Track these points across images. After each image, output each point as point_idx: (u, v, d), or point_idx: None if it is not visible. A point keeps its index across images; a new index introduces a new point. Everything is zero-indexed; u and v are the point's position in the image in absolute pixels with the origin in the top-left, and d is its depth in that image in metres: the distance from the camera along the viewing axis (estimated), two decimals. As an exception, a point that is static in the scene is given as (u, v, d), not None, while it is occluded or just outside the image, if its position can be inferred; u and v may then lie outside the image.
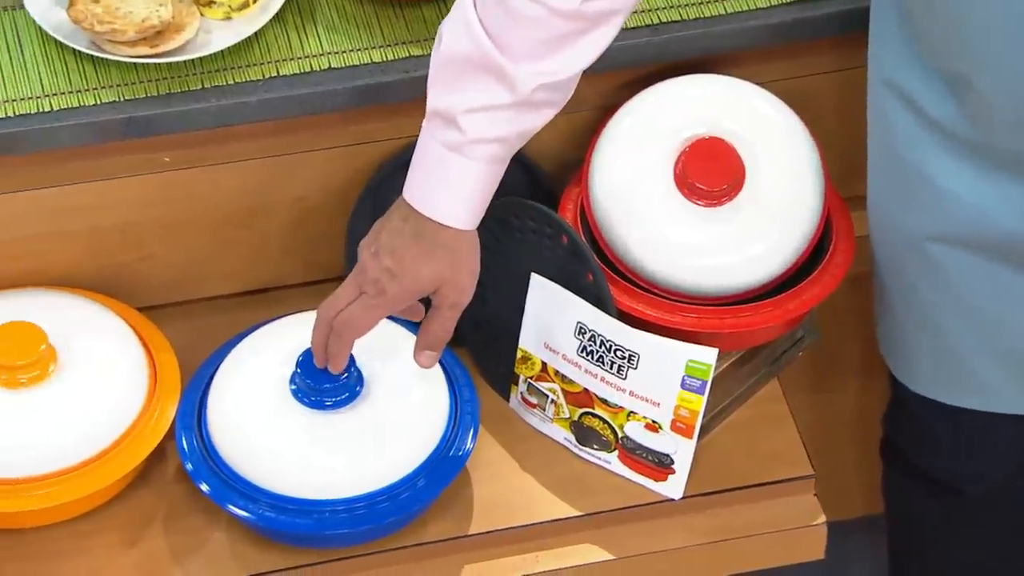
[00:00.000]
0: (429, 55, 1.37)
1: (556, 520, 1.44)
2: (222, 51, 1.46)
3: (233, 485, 1.40)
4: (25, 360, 1.40)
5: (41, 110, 1.42)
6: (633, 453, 1.47)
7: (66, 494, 1.39)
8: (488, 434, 1.48)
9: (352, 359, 1.42)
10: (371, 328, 1.39)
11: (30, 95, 1.43)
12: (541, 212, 1.47)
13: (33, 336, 1.41)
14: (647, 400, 1.44)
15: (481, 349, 1.54)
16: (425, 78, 1.38)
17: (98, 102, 1.43)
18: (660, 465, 1.46)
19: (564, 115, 1.53)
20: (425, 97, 1.36)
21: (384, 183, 1.55)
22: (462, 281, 1.39)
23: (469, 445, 1.43)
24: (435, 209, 1.37)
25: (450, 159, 1.35)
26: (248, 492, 1.39)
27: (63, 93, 1.43)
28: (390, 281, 1.38)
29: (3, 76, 1.44)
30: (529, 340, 1.48)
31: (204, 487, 1.40)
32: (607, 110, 1.53)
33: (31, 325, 1.42)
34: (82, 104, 1.43)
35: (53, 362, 1.41)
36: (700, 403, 1.43)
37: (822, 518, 1.46)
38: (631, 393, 1.44)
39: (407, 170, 1.47)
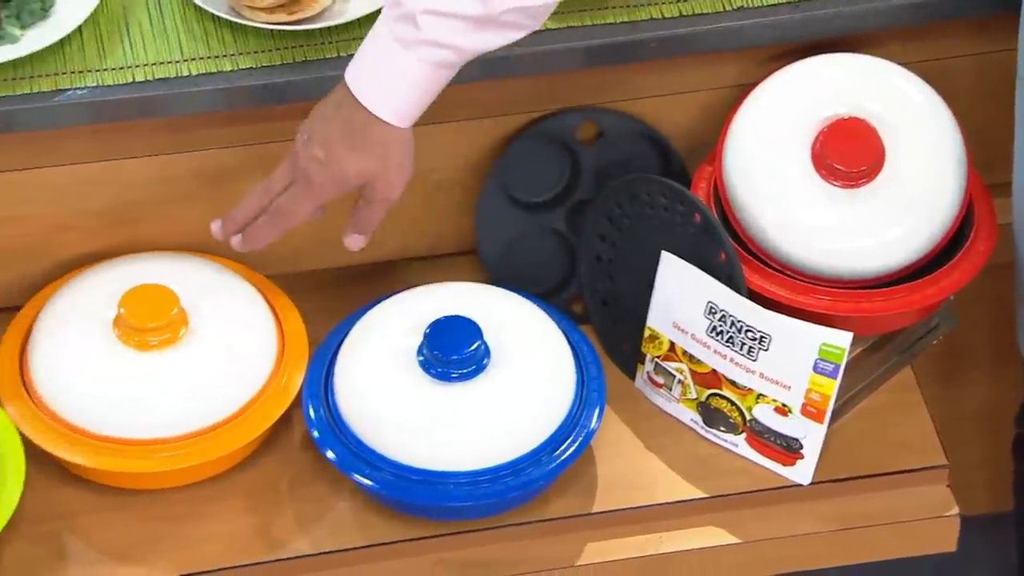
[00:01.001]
0: (556, 31, 1.36)
1: (680, 501, 1.43)
2: (358, 19, 1.46)
3: (358, 454, 1.40)
4: (157, 323, 1.41)
5: (179, 75, 1.43)
6: (761, 436, 1.45)
7: (193, 457, 1.39)
8: (613, 412, 1.47)
9: (479, 331, 1.41)
10: (302, 218, 1.38)
11: (169, 59, 1.44)
12: (673, 189, 1.45)
13: (166, 299, 1.42)
14: (777, 383, 1.42)
15: (607, 327, 1.53)
16: (563, 54, 1.39)
17: (235, 68, 1.43)
18: (788, 449, 1.44)
19: (699, 92, 1.53)
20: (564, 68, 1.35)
21: (514, 158, 1.54)
22: (390, 177, 1.37)
23: (594, 423, 1.42)
24: (371, 100, 1.34)
25: (398, 54, 1.32)
26: (373, 461, 1.39)
27: (201, 58, 1.44)
28: (318, 170, 1.36)
29: (143, 40, 1.45)
30: (657, 319, 1.46)
31: (330, 454, 1.40)
32: (744, 88, 1.50)
33: (164, 288, 1.42)
34: (220, 70, 1.43)
35: (184, 326, 1.42)
36: (832, 387, 1.40)
37: (955, 509, 1.44)
38: (761, 375, 1.42)
39: (539, 145, 1.49)
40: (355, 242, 1.40)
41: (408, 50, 1.31)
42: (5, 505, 1.33)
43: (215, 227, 1.42)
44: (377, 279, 1.55)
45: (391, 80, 1.32)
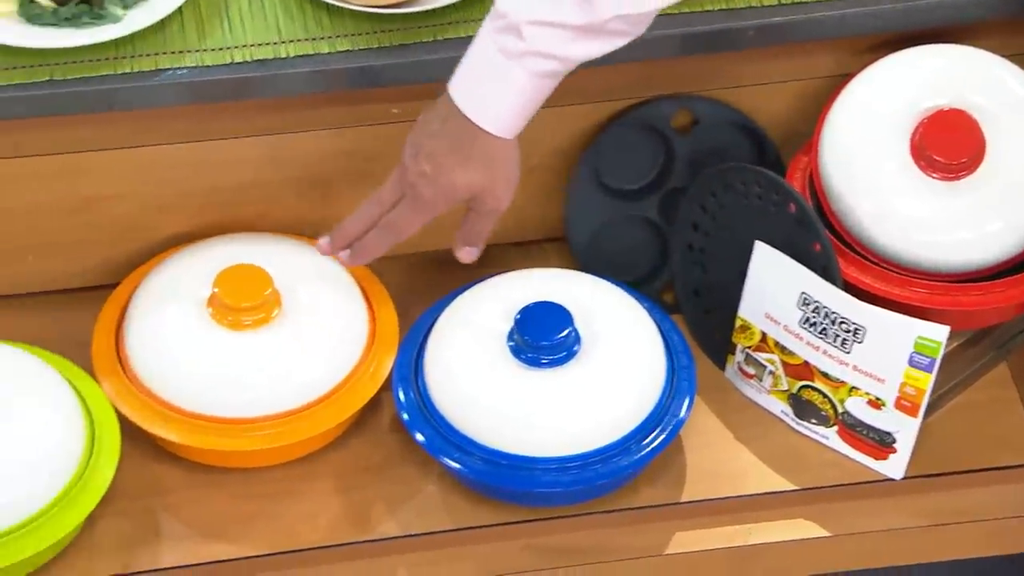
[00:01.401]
0: (661, 15, 1.35)
1: (770, 493, 1.42)
2: (454, 4, 1.46)
3: (447, 437, 1.40)
4: (250, 303, 1.41)
5: (278, 56, 1.43)
6: (853, 429, 1.43)
7: (284, 437, 1.40)
8: (702, 402, 1.47)
9: (570, 318, 1.41)
10: (413, 231, 1.39)
11: (267, 41, 1.44)
12: (769, 179, 1.44)
13: (260, 280, 1.42)
14: (871, 376, 1.41)
15: (698, 317, 1.52)
16: (660, 42, 1.37)
17: (332, 51, 1.44)
18: (881, 443, 1.43)
19: (795, 82, 1.52)
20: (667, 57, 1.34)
21: (607, 145, 1.53)
22: (498, 190, 1.37)
23: (684, 413, 1.42)
24: (477, 113, 1.34)
25: (503, 66, 1.32)
26: (462, 445, 1.39)
27: (298, 40, 1.44)
28: (426, 185, 1.37)
29: (242, 21, 1.46)
30: (749, 309, 1.45)
31: (419, 437, 1.40)
32: (841, 78, 1.49)
33: (258, 269, 1.43)
34: (317, 52, 1.43)
35: (277, 307, 1.43)
36: (927, 381, 1.39)
37: (1049, 508, 1.45)
38: (855, 368, 1.41)
39: (632, 132, 1.48)
40: (467, 255, 1.41)
41: (513, 61, 1.31)
42: (100, 480, 1.35)
43: (323, 242, 1.44)
44: (466, 264, 1.52)
45: (496, 92, 1.33)
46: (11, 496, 1.31)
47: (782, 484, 1.42)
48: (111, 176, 1.48)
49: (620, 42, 1.32)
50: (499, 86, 1.32)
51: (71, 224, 1.49)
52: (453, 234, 1.54)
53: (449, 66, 1.43)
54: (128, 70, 1.42)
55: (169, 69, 1.43)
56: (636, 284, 1.53)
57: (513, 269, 1.49)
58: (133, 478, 1.40)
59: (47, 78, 1.40)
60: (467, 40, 1.43)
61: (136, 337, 1.44)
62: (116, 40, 1.43)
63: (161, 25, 1.44)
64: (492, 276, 1.49)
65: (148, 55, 1.43)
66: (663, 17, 1.41)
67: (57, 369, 1.40)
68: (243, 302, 1.42)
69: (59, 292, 1.51)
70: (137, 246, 1.51)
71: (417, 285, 1.53)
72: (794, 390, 1.45)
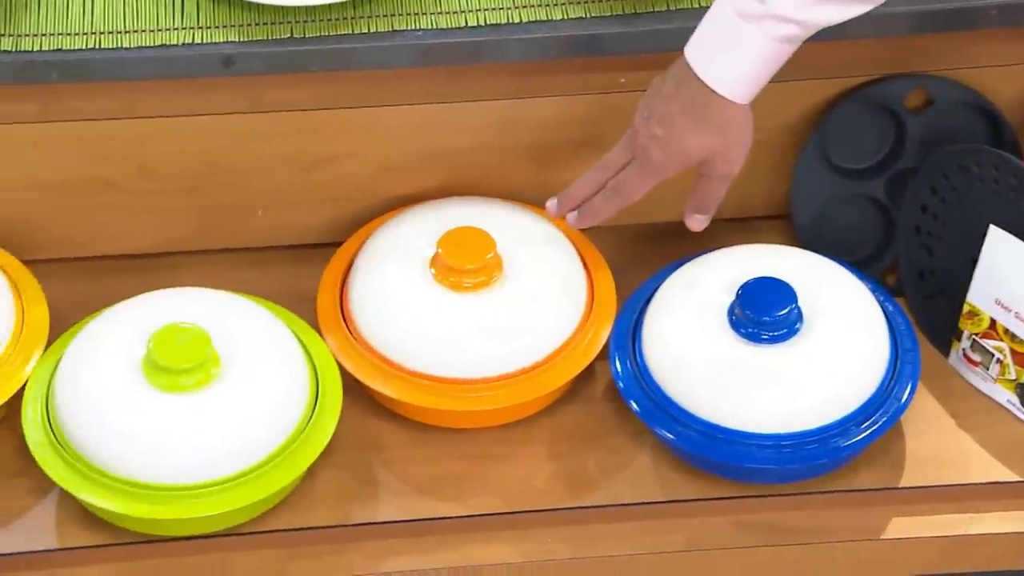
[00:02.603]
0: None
1: (993, 483, 1.39)
2: (690, -25, 1.47)
3: (663, 408, 1.39)
4: (473, 265, 1.42)
5: (511, 21, 1.44)
6: (1084, 422, 1.43)
7: (501, 399, 1.41)
8: (923, 388, 1.44)
9: (794, 296, 1.39)
10: (640, 195, 1.39)
11: (500, 6, 1.45)
12: (1008, 162, 1.40)
13: (483, 243, 1.43)
14: (1106, 368, 1.39)
15: (922, 301, 1.49)
16: (896, 19, 1.35)
17: (565, 17, 1.44)
18: (1112, 438, 1.41)
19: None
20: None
21: (837, 122, 1.51)
22: (731, 153, 1.36)
23: (906, 398, 1.39)
24: (713, 76, 1.33)
25: (742, 29, 1.31)
26: (677, 416, 1.39)
27: (531, 6, 1.44)
28: (657, 148, 1.36)
29: (477, -14, 1.50)
30: (979, 295, 1.42)
31: (634, 406, 1.40)
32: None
33: (482, 232, 1.44)
34: (550, 18, 1.44)
35: (499, 270, 1.43)
36: None
37: None
38: (1089, 359, 1.40)
39: (864, 110, 1.45)
40: (697, 223, 1.41)
41: (751, 24, 1.30)
42: (322, 433, 1.37)
43: (551, 204, 1.45)
44: (684, 238, 1.52)
45: (733, 56, 1.32)
46: (239, 444, 1.34)
47: (1007, 475, 1.39)
48: (343, 135, 1.50)
49: (862, 8, 1.30)
50: (736, 50, 1.32)
51: (302, 181, 1.51)
52: (668, 208, 1.52)
53: (681, 36, 1.42)
54: (365, 30, 1.44)
55: (405, 31, 1.44)
56: (858, 265, 1.50)
57: (733, 245, 1.48)
58: (352, 432, 1.42)
59: (287, 35, 1.43)
60: (700, 11, 1.42)
61: (360, 294, 1.46)
62: (354, 0, 1.46)
63: (399, -14, 1.49)
64: (714, 250, 1.47)
65: (384, 16, 1.44)
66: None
67: (285, 322, 1.43)
68: (466, 264, 1.43)
69: (287, 248, 1.54)
70: (364, 205, 1.53)
71: (631, 258, 1.53)
72: (1023, 379, 1.43)
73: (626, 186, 1.40)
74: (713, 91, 1.33)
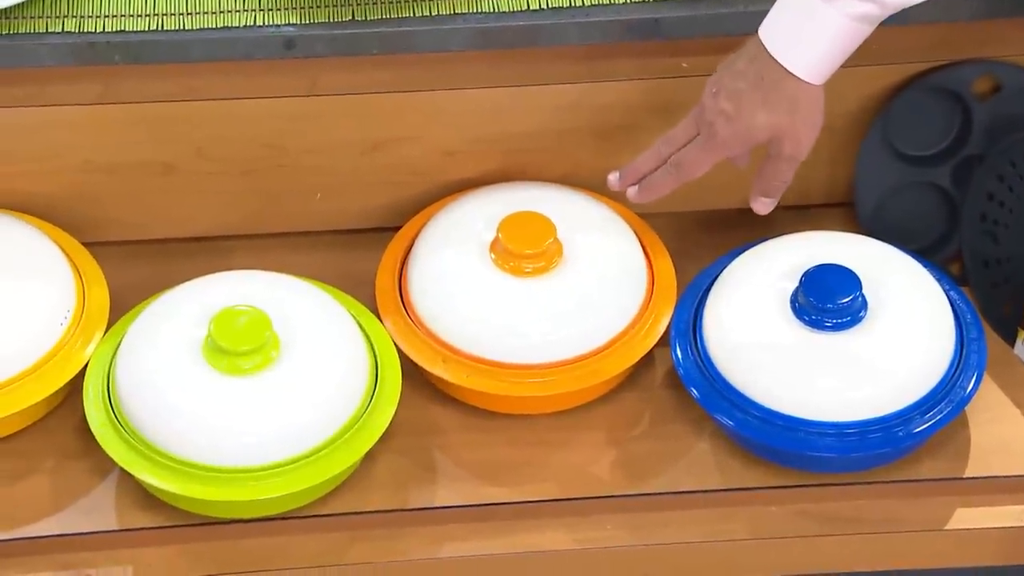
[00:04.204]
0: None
1: (1059, 474, 1.41)
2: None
3: (724, 394, 1.38)
4: (533, 250, 1.41)
5: (572, 4, 1.43)
6: None
7: (560, 385, 1.40)
8: (988, 378, 1.42)
9: (859, 283, 1.38)
10: (703, 171, 1.38)
11: (568, -9, 1.48)
12: (1077, 150, 1.41)
13: (543, 228, 1.42)
14: None
15: (987, 289, 1.47)
16: (963, 3, 1.33)
17: (627, 1, 1.43)
18: None
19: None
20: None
21: (903, 109, 1.50)
22: (799, 133, 1.34)
23: (971, 388, 1.38)
24: (786, 55, 1.32)
25: (818, 8, 1.30)
26: (738, 402, 1.38)
27: (595, -10, 1.47)
28: (724, 124, 1.35)
29: (542, -31, 1.49)
30: (1045, 284, 1.43)
31: (695, 392, 1.39)
32: None
33: (543, 217, 1.43)
34: (612, 1, 1.43)
35: (559, 256, 1.43)
36: None
37: None
38: None
39: (930, 97, 1.43)
40: (763, 206, 1.40)
41: (829, 4, 1.29)
42: (382, 417, 1.37)
43: (612, 178, 1.44)
44: (744, 225, 1.52)
45: (808, 35, 1.31)
46: (298, 428, 1.34)
47: (1073, 465, 1.40)
48: (402, 118, 1.49)
49: None
50: (811, 28, 1.30)
51: (360, 164, 1.51)
52: (728, 194, 1.53)
53: (743, 20, 1.41)
54: (425, 13, 1.43)
55: (466, 13, 1.43)
56: (922, 253, 1.49)
57: (793, 232, 1.46)
58: (410, 417, 1.42)
59: (349, 17, 1.42)
60: (765, -3, 1.45)
61: (419, 278, 1.45)
62: (416, -17, 1.47)
63: (461, -31, 1.48)
64: (775, 237, 1.46)
65: (446, -1, 1.47)
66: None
67: (344, 306, 1.42)
68: (526, 249, 1.42)
69: (345, 232, 1.54)
70: (423, 189, 1.52)
71: (691, 245, 1.51)
72: (1088, 369, 1.43)
73: (689, 161, 1.38)
74: (786, 70, 1.32)
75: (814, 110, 1.34)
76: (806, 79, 1.33)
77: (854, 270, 1.39)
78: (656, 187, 1.41)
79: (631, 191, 1.43)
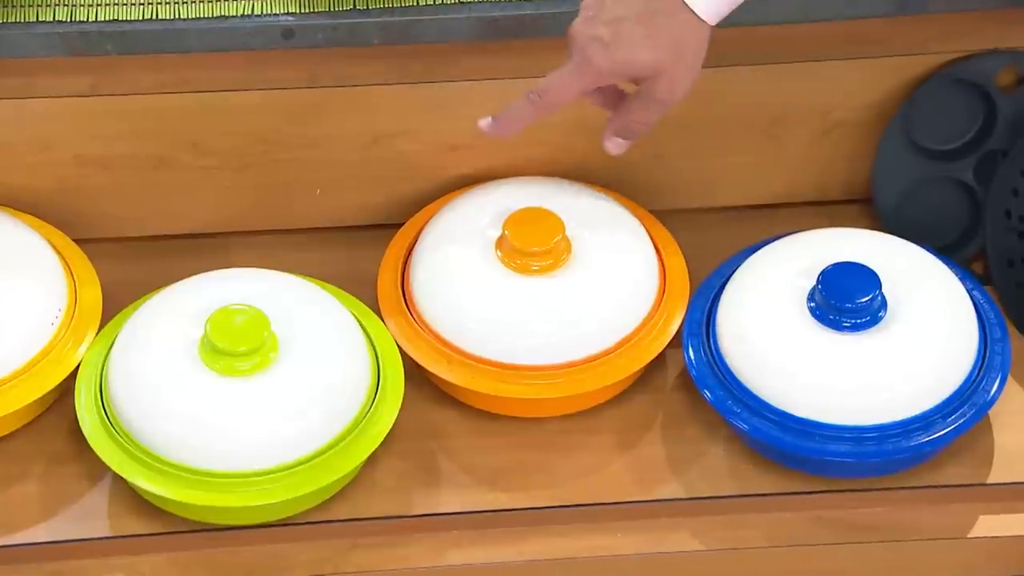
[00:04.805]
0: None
1: (1086, 480, 1.36)
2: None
3: (738, 397, 1.35)
4: (541, 247, 1.38)
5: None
6: None
7: (568, 387, 1.36)
8: (1013, 380, 1.38)
9: (878, 282, 1.34)
10: (567, 100, 1.27)
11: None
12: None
13: (551, 224, 1.39)
14: None
15: (1012, 289, 1.43)
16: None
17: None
18: None
19: None
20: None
21: (923, 101, 1.46)
22: (678, 76, 1.25)
23: (995, 390, 1.34)
24: None
25: None
26: (753, 405, 1.34)
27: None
28: (599, 51, 1.24)
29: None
30: (1071, 283, 1.39)
31: (708, 395, 1.35)
32: None
33: (550, 213, 1.40)
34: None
35: (567, 253, 1.39)
36: None
37: None
38: None
39: (952, 89, 1.39)
40: (616, 146, 1.30)
41: None
42: (384, 420, 1.33)
43: (484, 123, 1.31)
44: (759, 222, 1.49)
45: None
46: (296, 431, 1.31)
47: (1102, 472, 1.36)
48: (405, 111, 1.45)
49: None
50: None
51: (361, 159, 1.47)
52: (741, 190, 1.49)
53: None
54: (430, 2, 1.39)
55: (471, 2, 1.40)
56: (944, 251, 1.45)
57: (810, 229, 1.43)
58: (414, 420, 1.38)
59: (350, 7, 1.39)
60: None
61: (422, 277, 1.41)
62: (420, -30, 1.43)
63: (466, -45, 1.44)
64: (791, 234, 1.42)
65: (449, -12, 1.43)
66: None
67: (345, 305, 1.39)
68: (533, 246, 1.38)
69: (345, 228, 1.50)
70: (426, 184, 1.49)
71: (704, 242, 1.47)
72: (1117, 372, 1.39)
73: (554, 88, 1.27)
74: (682, 2, 1.22)
75: (699, 54, 1.24)
76: (703, 16, 1.23)
77: (873, 268, 1.35)
78: (514, 117, 1.29)
79: (483, 123, 1.30)
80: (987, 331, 1.37)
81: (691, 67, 1.26)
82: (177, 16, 1.39)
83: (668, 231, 1.47)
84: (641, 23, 1.24)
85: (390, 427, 1.35)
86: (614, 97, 1.32)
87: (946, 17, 1.41)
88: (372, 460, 1.36)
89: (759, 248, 1.43)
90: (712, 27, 1.26)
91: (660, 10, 1.24)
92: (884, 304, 1.35)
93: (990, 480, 1.35)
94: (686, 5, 1.24)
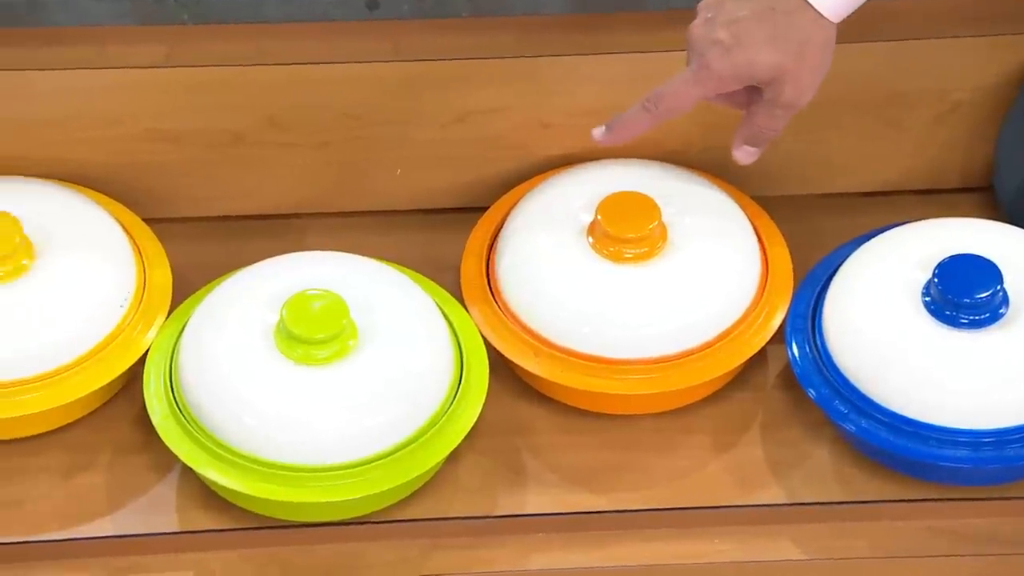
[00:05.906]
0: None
1: None
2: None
3: (845, 396, 1.29)
4: (635, 234, 1.32)
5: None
6: None
7: (662, 383, 1.31)
8: None
9: (1000, 276, 1.28)
10: (686, 107, 1.25)
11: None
12: None
13: (647, 210, 1.33)
14: None
15: None
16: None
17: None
18: None
19: None
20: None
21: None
22: (804, 79, 1.22)
23: (1125, 393, 1.29)
24: None
25: None
26: (861, 406, 1.28)
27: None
28: (720, 56, 1.21)
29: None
30: None
31: (813, 394, 1.29)
32: None
33: (646, 198, 1.34)
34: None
35: (663, 240, 1.33)
36: None
37: None
38: None
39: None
40: (747, 155, 1.27)
41: None
42: (467, 414, 1.29)
43: (597, 132, 1.29)
44: (868, 210, 1.44)
45: None
46: (376, 424, 1.27)
47: None
48: (493, 87, 1.41)
49: None
50: None
51: (446, 137, 1.43)
52: (850, 176, 1.44)
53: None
54: (518, -28, 1.38)
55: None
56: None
57: (923, 219, 1.37)
58: (498, 415, 1.34)
59: (438, -24, 1.38)
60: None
61: (509, 264, 1.37)
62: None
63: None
64: (902, 224, 1.36)
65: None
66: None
67: (427, 292, 1.34)
68: (627, 233, 1.33)
69: (428, 211, 1.46)
70: (514, 165, 1.44)
71: (809, 231, 1.41)
72: None
73: (671, 93, 1.24)
74: (804, 0, 1.19)
75: (825, 54, 1.21)
76: (825, 15, 1.19)
77: (994, 261, 1.29)
78: (629, 125, 1.27)
79: (596, 132, 1.28)
80: (1118, 330, 1.33)
81: (816, 68, 1.23)
82: (256, -16, 1.38)
83: (771, 219, 1.41)
84: (762, 24, 1.21)
85: (473, 422, 1.30)
86: (742, 97, 1.28)
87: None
88: (454, 457, 1.31)
89: (869, 238, 1.37)
90: (836, 25, 1.22)
91: (783, 10, 1.21)
92: (1006, 300, 1.29)
93: (1121, 491, 1.31)
94: (808, 3, 1.21)
